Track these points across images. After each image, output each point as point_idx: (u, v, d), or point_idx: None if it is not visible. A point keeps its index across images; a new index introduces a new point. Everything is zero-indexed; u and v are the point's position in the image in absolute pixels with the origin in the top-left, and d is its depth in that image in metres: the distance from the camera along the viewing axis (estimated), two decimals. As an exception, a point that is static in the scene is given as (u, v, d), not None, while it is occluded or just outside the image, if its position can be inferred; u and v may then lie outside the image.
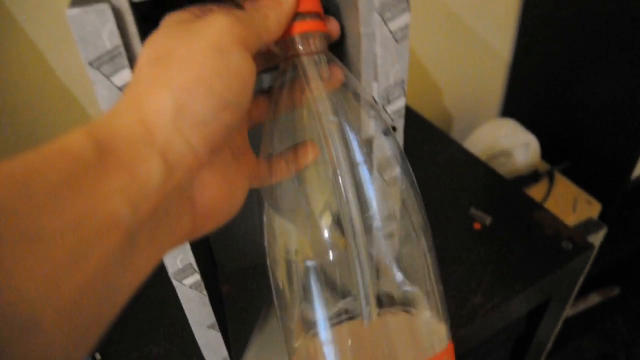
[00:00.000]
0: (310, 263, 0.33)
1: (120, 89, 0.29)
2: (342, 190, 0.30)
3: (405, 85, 0.34)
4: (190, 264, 0.38)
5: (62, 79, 0.74)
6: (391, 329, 0.34)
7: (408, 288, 0.34)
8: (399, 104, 0.35)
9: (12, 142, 0.76)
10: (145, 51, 0.26)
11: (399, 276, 0.34)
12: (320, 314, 0.33)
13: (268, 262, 0.34)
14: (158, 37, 0.26)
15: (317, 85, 0.31)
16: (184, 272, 0.39)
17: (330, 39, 0.33)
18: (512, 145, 1.02)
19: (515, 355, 0.80)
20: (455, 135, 1.23)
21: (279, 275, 0.35)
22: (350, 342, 0.33)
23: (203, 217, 0.28)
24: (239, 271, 0.63)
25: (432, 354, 0.33)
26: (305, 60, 0.31)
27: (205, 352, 0.48)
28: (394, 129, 0.36)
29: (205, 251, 0.55)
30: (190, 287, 0.41)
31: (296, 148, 0.34)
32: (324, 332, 0.33)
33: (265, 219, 0.34)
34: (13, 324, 0.16)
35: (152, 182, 0.22)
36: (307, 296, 0.33)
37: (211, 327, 0.46)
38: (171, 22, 0.27)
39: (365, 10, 0.31)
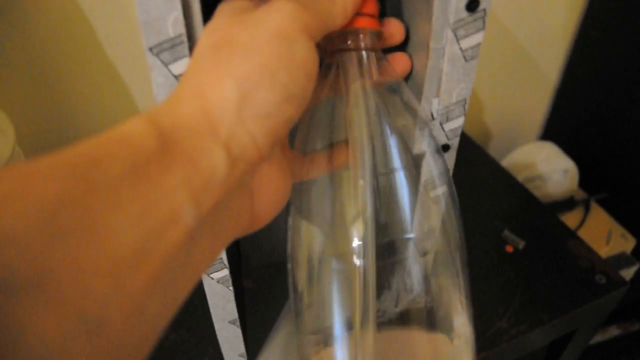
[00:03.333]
0: (333, 267, 0.32)
1: (177, 77, 0.28)
2: (362, 196, 0.29)
3: (466, 104, 0.33)
4: (221, 257, 0.38)
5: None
6: (413, 346, 0.33)
7: (435, 307, 0.33)
8: (458, 122, 0.34)
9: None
10: (205, 37, 0.25)
11: (428, 294, 0.33)
12: (339, 324, 0.31)
13: (289, 265, 0.33)
14: (218, 24, 0.25)
15: (356, 84, 0.30)
16: (213, 266, 0.38)
17: (390, 40, 0.32)
18: (550, 169, 0.99)
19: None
20: (492, 151, 1.21)
21: (300, 279, 0.33)
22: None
23: (260, 210, 0.27)
24: (263, 266, 0.63)
25: None
26: (347, 57, 0.30)
27: (223, 347, 0.48)
28: (446, 147, 0.35)
29: (234, 244, 0.54)
30: (218, 281, 0.40)
31: (333, 147, 0.33)
32: (340, 343, 0.31)
33: (290, 219, 0.33)
34: (80, 324, 0.15)
35: (215, 176, 0.21)
36: (326, 304, 0.32)
37: (232, 322, 0.45)
38: (229, 10, 0.26)
39: (438, 25, 0.29)
